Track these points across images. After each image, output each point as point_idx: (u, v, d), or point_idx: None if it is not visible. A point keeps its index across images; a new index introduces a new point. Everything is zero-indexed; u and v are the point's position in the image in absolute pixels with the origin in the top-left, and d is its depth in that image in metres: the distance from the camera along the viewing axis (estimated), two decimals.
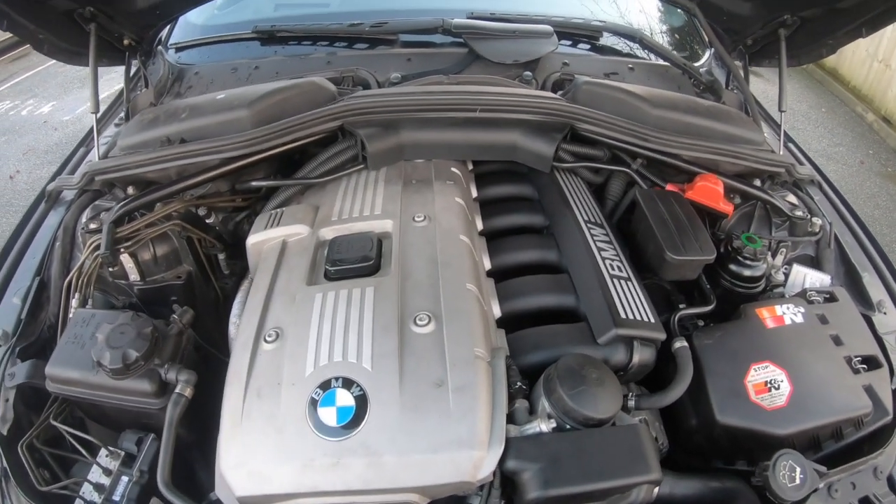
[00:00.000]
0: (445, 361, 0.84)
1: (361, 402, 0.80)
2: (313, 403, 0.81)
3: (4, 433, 0.99)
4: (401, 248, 1.02)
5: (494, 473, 0.79)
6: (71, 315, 1.13)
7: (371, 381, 0.82)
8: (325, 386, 0.82)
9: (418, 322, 0.88)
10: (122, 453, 0.99)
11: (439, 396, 0.81)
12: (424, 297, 0.93)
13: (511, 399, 0.86)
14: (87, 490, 0.96)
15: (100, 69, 1.41)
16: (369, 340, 0.86)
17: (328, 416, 0.80)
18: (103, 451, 0.99)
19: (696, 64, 1.76)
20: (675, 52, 1.77)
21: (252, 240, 1.14)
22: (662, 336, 0.98)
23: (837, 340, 1.07)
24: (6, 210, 3.77)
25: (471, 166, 1.38)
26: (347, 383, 0.82)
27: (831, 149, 4.68)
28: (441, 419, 0.79)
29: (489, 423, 0.80)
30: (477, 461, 0.77)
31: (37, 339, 1.12)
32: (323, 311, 0.92)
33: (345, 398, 0.81)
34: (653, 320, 0.99)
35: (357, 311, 0.91)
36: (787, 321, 1.08)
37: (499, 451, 0.78)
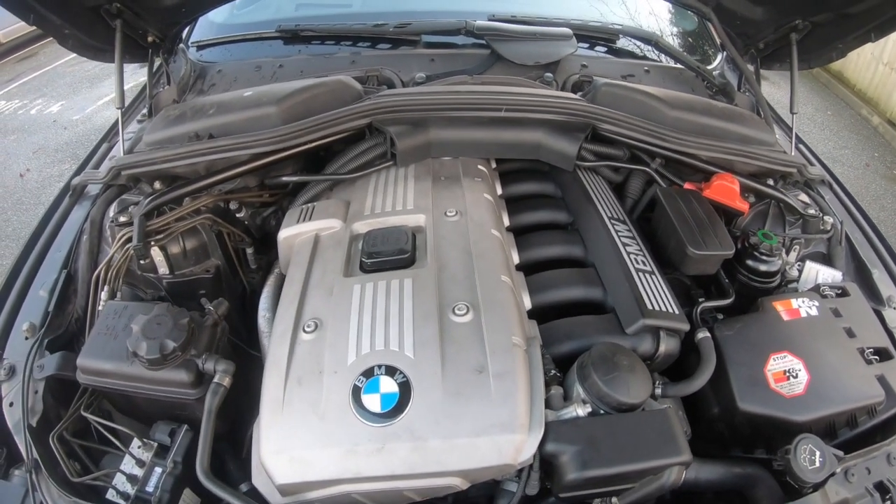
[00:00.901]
0: (485, 349, 0.87)
1: (405, 388, 0.83)
2: (356, 390, 0.83)
3: (34, 425, 0.99)
4: (435, 242, 1.05)
5: (534, 456, 0.82)
6: (100, 308, 1.13)
7: (413, 369, 0.84)
8: (369, 373, 0.84)
9: (457, 311, 0.91)
10: (155, 444, 1.00)
11: (480, 382, 0.83)
12: (461, 288, 0.96)
13: (546, 386, 0.89)
14: (119, 481, 0.97)
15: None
16: (410, 329, 0.89)
17: (372, 402, 0.82)
18: (136, 443, 1.00)
19: (709, 67, 1.80)
20: (688, 56, 1.81)
21: (284, 234, 1.16)
22: (687, 327, 1.02)
23: (850, 333, 1.11)
24: (17, 208, 3.77)
25: (494, 165, 1.41)
26: (390, 370, 0.84)
27: (837, 151, 4.73)
28: (483, 404, 0.81)
29: (529, 407, 0.82)
30: (518, 444, 0.80)
31: (64, 332, 1.13)
32: (362, 302, 0.94)
33: (388, 385, 0.83)
34: (677, 312, 1.02)
35: (397, 301, 0.93)
36: (803, 314, 1.12)
37: (539, 434, 0.81)
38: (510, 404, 0.81)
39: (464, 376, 0.84)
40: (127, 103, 1.72)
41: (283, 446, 0.81)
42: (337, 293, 0.97)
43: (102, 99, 5.25)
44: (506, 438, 0.80)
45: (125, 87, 1.44)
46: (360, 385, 0.84)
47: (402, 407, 0.81)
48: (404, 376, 0.84)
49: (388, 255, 1.02)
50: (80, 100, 5.32)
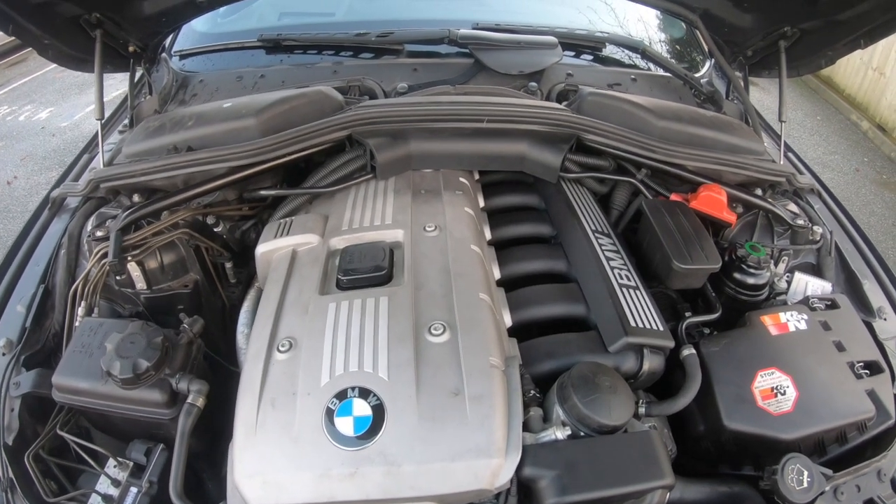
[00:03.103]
0: (461, 370, 0.85)
1: (378, 411, 0.81)
2: (329, 413, 0.81)
3: (10, 443, 0.98)
4: (413, 258, 1.03)
5: (512, 481, 0.80)
6: (77, 323, 1.12)
7: (388, 391, 0.82)
8: (342, 396, 0.82)
9: (433, 332, 0.89)
10: (131, 464, 0.99)
11: (456, 405, 0.81)
12: (438, 307, 0.94)
13: (525, 407, 0.87)
14: (95, 501, 0.96)
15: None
16: (385, 350, 0.87)
17: (345, 425, 0.80)
18: (111, 462, 0.99)
19: (697, 75, 1.79)
20: (675, 64, 1.80)
21: (261, 249, 1.14)
22: (671, 344, 1.00)
23: (840, 346, 1.09)
24: (4, 216, 3.75)
25: (477, 176, 1.39)
26: (364, 393, 0.82)
27: (826, 157, 4.74)
28: (459, 428, 0.79)
29: (506, 431, 0.80)
30: (495, 469, 0.78)
31: (42, 348, 1.12)
32: (337, 321, 0.92)
33: (362, 408, 0.81)
34: (661, 328, 1.01)
35: (371, 321, 0.91)
36: (792, 328, 1.10)
37: (516, 458, 0.79)
38: (486, 428, 0.79)
39: (439, 399, 0.82)
40: (109, 114, 1.71)
41: (257, 469, 0.80)
42: (312, 312, 0.95)
43: (91, 106, 5.25)
44: (482, 463, 0.78)
45: (112, 95, 1.42)
46: (334, 407, 0.82)
47: (375, 430, 0.79)
48: (378, 399, 0.82)
49: (364, 272, 1.00)
50: (68, 106, 5.31)
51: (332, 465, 0.77)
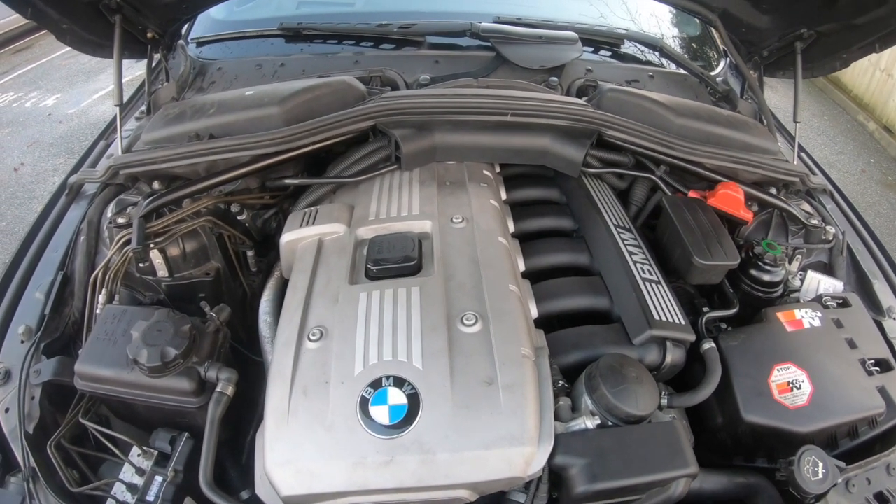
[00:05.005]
0: (494, 360, 0.86)
1: (413, 400, 0.82)
2: (364, 402, 0.82)
3: (31, 432, 0.97)
4: (442, 249, 1.04)
5: (543, 468, 0.82)
6: (97, 311, 1.11)
7: (422, 380, 0.83)
8: (376, 384, 0.83)
9: (465, 322, 0.90)
10: (156, 452, 0.98)
11: (490, 394, 0.83)
12: (469, 298, 0.95)
13: (555, 397, 0.89)
14: (119, 490, 0.95)
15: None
16: (418, 340, 0.88)
17: (380, 414, 0.81)
18: (135, 451, 0.98)
19: (712, 73, 1.80)
20: (692, 62, 1.81)
21: (286, 238, 1.14)
22: (693, 337, 1.02)
23: (852, 344, 1.12)
24: (11, 203, 3.71)
25: (498, 169, 1.40)
26: (399, 382, 0.83)
27: (833, 157, 4.76)
28: (492, 416, 0.81)
29: (538, 419, 0.82)
30: (528, 457, 0.80)
31: (61, 335, 1.11)
32: (369, 310, 0.93)
33: (397, 396, 0.82)
34: (683, 322, 1.03)
35: (404, 311, 0.92)
36: (806, 325, 1.13)
37: (548, 447, 0.81)
38: (520, 416, 0.81)
39: (473, 388, 0.83)
40: (125, 100, 1.69)
41: (289, 458, 0.80)
42: (342, 301, 0.96)
43: (98, 93, 5.18)
44: (516, 451, 0.79)
45: (123, 82, 1.40)
46: (368, 396, 0.83)
47: (410, 419, 0.81)
48: (413, 388, 0.83)
49: (394, 262, 1.00)
50: (75, 93, 5.25)
51: (367, 454, 0.78)
